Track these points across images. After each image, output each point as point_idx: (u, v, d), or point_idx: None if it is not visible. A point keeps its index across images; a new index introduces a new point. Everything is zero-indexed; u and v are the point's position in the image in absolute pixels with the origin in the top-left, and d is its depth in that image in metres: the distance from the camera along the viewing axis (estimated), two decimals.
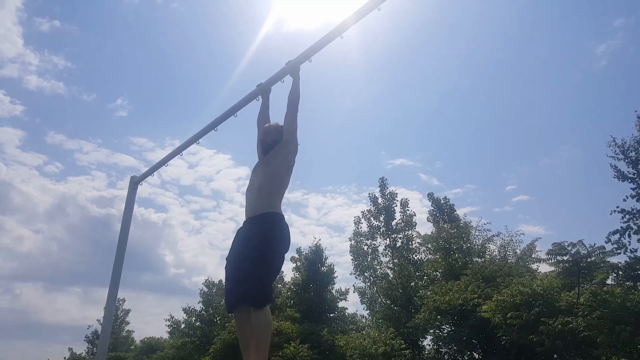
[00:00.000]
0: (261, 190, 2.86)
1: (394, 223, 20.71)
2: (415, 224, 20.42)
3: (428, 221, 22.21)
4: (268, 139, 3.13)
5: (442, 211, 21.95)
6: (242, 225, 2.92)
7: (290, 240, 2.84)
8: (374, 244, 20.98)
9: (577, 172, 54.97)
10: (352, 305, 43.77)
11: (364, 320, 22.04)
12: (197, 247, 59.56)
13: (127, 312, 35.44)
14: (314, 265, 22.00)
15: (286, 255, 2.85)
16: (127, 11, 78.11)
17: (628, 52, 52.83)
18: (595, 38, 58.48)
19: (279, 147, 3.04)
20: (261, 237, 2.67)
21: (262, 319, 2.53)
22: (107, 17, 76.20)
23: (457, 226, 18.17)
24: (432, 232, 19.24)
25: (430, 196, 22.70)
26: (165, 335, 28.53)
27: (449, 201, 22.40)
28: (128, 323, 35.75)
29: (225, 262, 2.86)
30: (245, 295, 2.54)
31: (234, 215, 59.41)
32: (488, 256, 17.11)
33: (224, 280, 3.04)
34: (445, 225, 18.97)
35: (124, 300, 34.94)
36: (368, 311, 21.22)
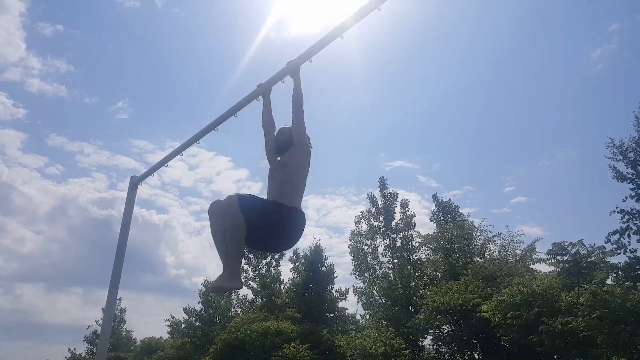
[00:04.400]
0: (277, 195, 2.89)
1: (393, 223, 20.71)
2: (415, 224, 20.44)
3: (431, 221, 22.14)
4: (282, 139, 3.19)
5: (446, 212, 21.88)
6: None
7: (299, 232, 2.87)
8: (374, 244, 21.00)
9: (575, 174, 55.25)
10: (352, 305, 43.71)
11: (363, 321, 22.05)
12: (197, 248, 59.53)
13: (124, 310, 35.41)
14: (314, 265, 21.99)
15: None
16: (129, 16, 78.18)
17: (624, 56, 53.35)
18: (591, 42, 58.86)
19: (292, 150, 3.05)
20: (275, 213, 2.74)
21: (231, 212, 2.56)
22: (108, 21, 76.31)
23: (460, 226, 18.18)
24: (433, 232, 19.25)
25: (434, 197, 22.65)
26: (166, 336, 28.55)
27: (452, 203, 22.33)
28: (125, 322, 35.71)
29: None
30: (233, 196, 2.61)
31: None
32: (488, 256, 17.12)
33: None
34: (448, 226, 18.95)
35: (120, 299, 34.92)
36: (364, 312, 21.25)
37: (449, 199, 22.44)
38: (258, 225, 2.66)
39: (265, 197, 3.01)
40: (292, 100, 3.14)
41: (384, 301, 18.92)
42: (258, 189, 60.06)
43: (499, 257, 16.76)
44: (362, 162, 69.89)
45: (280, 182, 2.92)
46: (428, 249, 19.09)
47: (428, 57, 73.44)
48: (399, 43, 71.07)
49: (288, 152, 3.06)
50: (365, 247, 21.09)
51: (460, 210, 21.56)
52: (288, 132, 3.18)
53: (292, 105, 3.12)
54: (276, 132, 3.31)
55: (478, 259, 16.69)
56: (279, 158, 3.17)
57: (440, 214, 21.81)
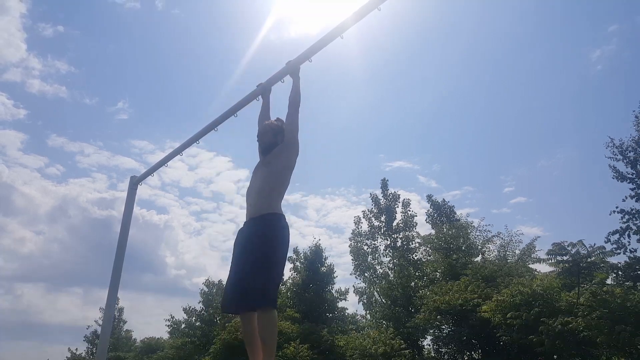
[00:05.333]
0: (261, 191, 2.86)
1: (394, 223, 20.71)
2: (416, 224, 20.43)
3: (427, 222, 22.14)
4: (265, 140, 3.13)
5: (441, 213, 21.87)
6: (243, 226, 2.93)
7: (289, 240, 2.84)
8: (374, 244, 20.99)
9: (575, 174, 55.10)
10: (352, 305, 43.69)
11: (363, 320, 22.06)
12: (197, 249, 59.64)
13: (122, 309, 35.46)
14: (314, 265, 22.00)
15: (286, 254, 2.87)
16: (129, 16, 78.08)
17: (623, 57, 53.30)
18: (591, 43, 58.85)
19: (279, 149, 3.02)
20: (262, 238, 2.68)
21: (269, 320, 2.54)
22: (108, 22, 76.21)
23: (456, 226, 18.17)
24: (431, 233, 19.23)
25: (429, 198, 22.63)
26: (166, 336, 28.55)
27: (447, 203, 22.31)
28: (125, 322, 35.76)
29: (229, 264, 2.89)
30: (250, 298, 2.56)
31: (234, 216, 59.51)
32: (488, 256, 17.11)
33: (224, 282, 3.06)
34: (444, 226, 18.95)
35: (118, 299, 34.89)
36: (364, 312, 21.25)
37: (443, 199, 22.49)
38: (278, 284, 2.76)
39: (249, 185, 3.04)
40: (289, 98, 3.14)
41: (384, 301, 18.91)
42: None
43: (497, 257, 16.74)
44: (362, 162, 69.80)
45: (264, 180, 2.91)
46: (426, 249, 19.08)
47: (428, 57, 73.31)
48: (399, 43, 70.91)
49: (274, 152, 3.03)
50: (365, 247, 21.09)
51: (460, 211, 21.69)
52: (271, 131, 3.13)
53: (289, 103, 3.12)
54: (259, 130, 3.25)
55: (478, 259, 16.68)
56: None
57: (436, 215, 21.81)
